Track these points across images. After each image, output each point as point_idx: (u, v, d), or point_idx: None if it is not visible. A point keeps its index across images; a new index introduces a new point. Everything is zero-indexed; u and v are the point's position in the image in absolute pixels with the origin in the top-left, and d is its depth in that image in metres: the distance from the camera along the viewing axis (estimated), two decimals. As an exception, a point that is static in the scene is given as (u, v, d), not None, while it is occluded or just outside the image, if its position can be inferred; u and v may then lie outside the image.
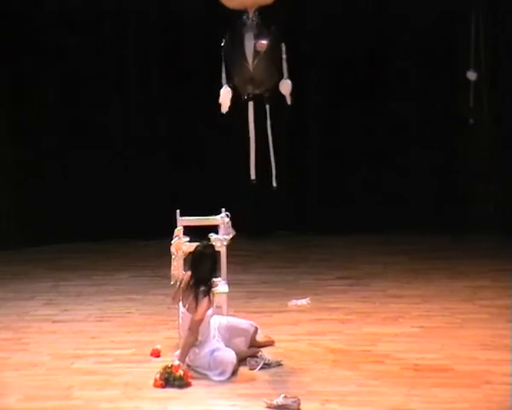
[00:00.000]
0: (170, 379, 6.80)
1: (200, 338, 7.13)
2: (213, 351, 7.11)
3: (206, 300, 7.13)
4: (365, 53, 11.92)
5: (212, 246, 7.51)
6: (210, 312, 7.23)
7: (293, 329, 8.21)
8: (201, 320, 7.10)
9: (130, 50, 11.99)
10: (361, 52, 11.92)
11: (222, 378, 6.98)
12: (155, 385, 6.83)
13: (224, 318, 7.52)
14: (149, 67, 12.07)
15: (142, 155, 12.05)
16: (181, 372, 6.83)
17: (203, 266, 7.23)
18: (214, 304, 7.34)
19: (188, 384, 6.83)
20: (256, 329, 7.54)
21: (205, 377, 7.02)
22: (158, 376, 6.85)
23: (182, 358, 7.04)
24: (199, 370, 7.10)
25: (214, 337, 7.24)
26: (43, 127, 11.75)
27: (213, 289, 7.28)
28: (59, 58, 11.73)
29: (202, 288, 7.16)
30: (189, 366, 7.10)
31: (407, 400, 6.50)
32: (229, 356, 7.09)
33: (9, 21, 11.44)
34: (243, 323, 7.50)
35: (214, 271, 7.35)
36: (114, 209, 11.99)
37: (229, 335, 7.33)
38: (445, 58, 11.85)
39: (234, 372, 7.05)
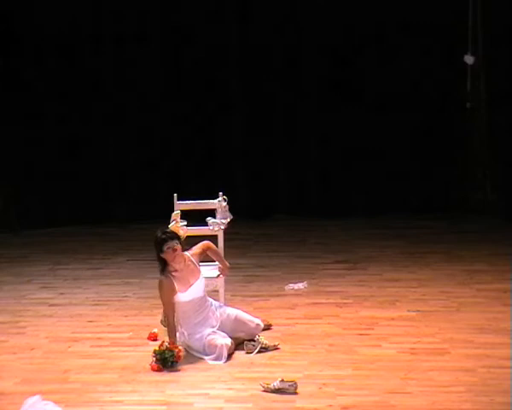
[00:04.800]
0: (162, 357, 6.84)
1: (181, 321, 7.19)
2: (207, 335, 7.13)
3: (159, 288, 7.20)
4: (361, 36, 11.86)
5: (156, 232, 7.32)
6: (186, 299, 7.19)
7: (290, 313, 8.22)
8: (167, 304, 7.16)
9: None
10: (357, 37, 11.86)
11: (218, 362, 7.00)
12: (153, 369, 6.85)
13: (234, 311, 7.47)
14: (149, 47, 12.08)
15: (139, 138, 12.05)
16: (167, 344, 6.91)
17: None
18: (194, 287, 7.29)
19: (178, 354, 6.89)
20: (261, 328, 7.52)
21: (202, 360, 7.04)
22: (154, 361, 6.89)
23: (171, 340, 7.09)
24: (195, 354, 7.13)
25: (213, 327, 7.24)
26: (42, 109, 11.73)
27: (167, 273, 7.21)
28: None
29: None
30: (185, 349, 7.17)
31: (403, 383, 6.51)
32: (223, 340, 7.10)
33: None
34: (251, 322, 7.42)
35: (158, 256, 7.23)
36: (111, 193, 12.01)
37: (235, 328, 7.32)
38: (443, 42, 11.81)
39: (229, 356, 7.07)
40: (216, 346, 7.06)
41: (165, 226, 7.38)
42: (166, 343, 6.96)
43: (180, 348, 7.04)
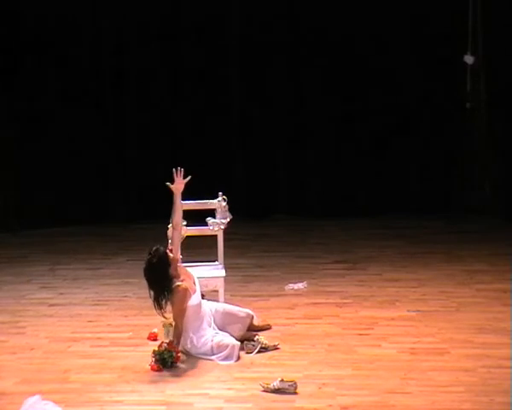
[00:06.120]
0: (161, 358, 6.84)
1: (189, 325, 7.14)
2: (213, 336, 7.12)
3: (176, 296, 7.09)
4: (362, 38, 11.85)
5: (153, 254, 7.16)
6: (197, 301, 7.20)
7: (289, 313, 8.22)
8: (182, 310, 7.09)
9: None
10: (358, 37, 11.85)
11: (229, 362, 6.99)
12: (153, 369, 6.85)
13: (221, 305, 7.51)
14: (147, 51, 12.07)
15: (138, 139, 12.06)
16: (165, 345, 6.90)
17: (155, 280, 7.11)
18: (197, 289, 7.28)
19: (177, 355, 6.91)
20: (252, 317, 7.55)
21: (202, 361, 7.03)
22: (153, 362, 6.88)
23: (172, 340, 7.09)
24: (202, 356, 7.10)
25: (210, 326, 7.24)
26: (40, 112, 11.73)
27: (178, 283, 7.14)
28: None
29: (166, 292, 7.12)
30: (187, 352, 7.16)
31: (403, 383, 6.52)
32: (231, 339, 7.11)
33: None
34: (240, 311, 7.46)
35: (166, 274, 7.11)
36: (111, 193, 12.02)
37: (225, 322, 7.32)
38: (443, 42, 11.81)
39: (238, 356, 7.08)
40: (227, 346, 7.05)
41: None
42: (165, 344, 6.95)
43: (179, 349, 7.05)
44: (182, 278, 7.20)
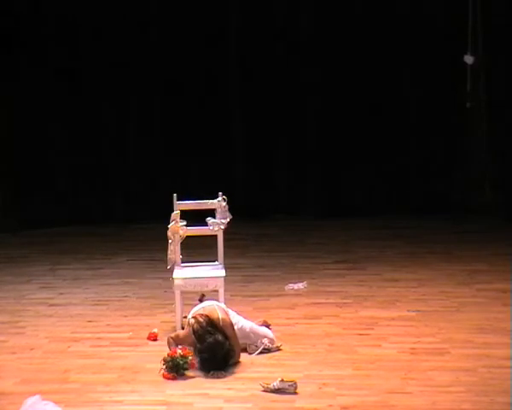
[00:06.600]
0: (175, 363, 6.68)
1: None
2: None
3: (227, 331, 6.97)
4: (361, 38, 11.85)
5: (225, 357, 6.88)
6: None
7: (289, 313, 8.22)
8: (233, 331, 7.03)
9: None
10: (357, 37, 11.85)
11: None
12: (166, 378, 6.67)
13: (248, 323, 7.31)
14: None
15: (139, 139, 12.06)
16: (180, 352, 6.75)
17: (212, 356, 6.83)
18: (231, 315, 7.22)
19: (192, 361, 6.74)
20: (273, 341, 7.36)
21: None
22: (165, 370, 6.71)
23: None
24: None
25: None
26: (39, 112, 11.73)
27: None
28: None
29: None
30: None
31: (403, 383, 6.51)
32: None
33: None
34: (266, 334, 7.29)
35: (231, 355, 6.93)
36: (112, 193, 12.02)
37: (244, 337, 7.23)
38: (443, 42, 11.81)
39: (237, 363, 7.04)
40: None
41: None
42: (179, 350, 6.75)
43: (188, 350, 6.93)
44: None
